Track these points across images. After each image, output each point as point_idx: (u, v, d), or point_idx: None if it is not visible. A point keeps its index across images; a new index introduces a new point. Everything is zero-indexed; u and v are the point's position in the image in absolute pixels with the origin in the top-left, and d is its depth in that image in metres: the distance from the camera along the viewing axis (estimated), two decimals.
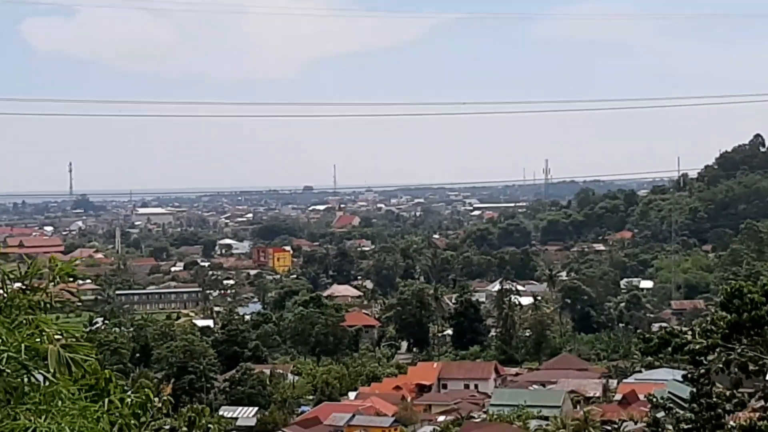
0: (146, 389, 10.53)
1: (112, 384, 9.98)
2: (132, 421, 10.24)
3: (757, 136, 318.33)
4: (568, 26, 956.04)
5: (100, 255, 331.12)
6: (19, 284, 10.79)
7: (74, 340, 10.06)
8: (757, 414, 31.45)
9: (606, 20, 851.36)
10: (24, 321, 10.15)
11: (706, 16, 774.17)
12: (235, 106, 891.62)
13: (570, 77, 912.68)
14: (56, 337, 9.91)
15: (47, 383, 9.59)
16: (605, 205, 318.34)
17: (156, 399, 10.41)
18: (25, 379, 9.63)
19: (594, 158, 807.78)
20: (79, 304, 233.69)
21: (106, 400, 9.69)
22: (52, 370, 9.36)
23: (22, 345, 9.53)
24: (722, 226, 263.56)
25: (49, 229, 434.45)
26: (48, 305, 10.67)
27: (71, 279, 10.83)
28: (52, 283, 10.70)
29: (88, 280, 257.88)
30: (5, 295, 10.58)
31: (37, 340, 9.79)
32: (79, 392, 9.80)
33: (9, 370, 9.59)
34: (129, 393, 10.37)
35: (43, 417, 8.73)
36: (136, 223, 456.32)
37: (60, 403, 9.09)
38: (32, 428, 8.56)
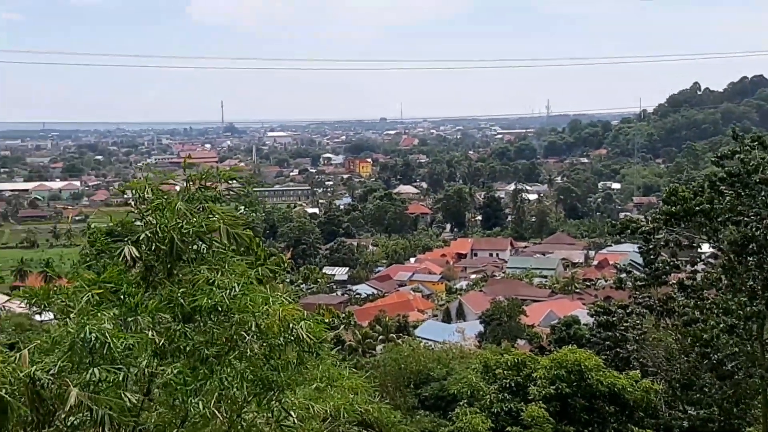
0: (280, 254, 10.89)
1: (257, 246, 10.18)
2: (270, 275, 10.48)
3: (696, 83, 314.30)
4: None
5: (242, 164, 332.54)
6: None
7: (232, 220, 10.27)
8: (686, 275, 31.89)
9: None
10: (201, 208, 10.35)
11: None
12: (339, 62, 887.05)
13: (564, 41, 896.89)
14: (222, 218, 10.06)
15: (214, 251, 9.67)
16: (589, 131, 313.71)
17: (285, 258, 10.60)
18: (203, 247, 9.87)
19: (582, 98, 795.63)
20: (228, 196, 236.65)
21: (253, 260, 9.85)
22: (224, 241, 9.54)
23: (203, 224, 9.77)
24: (670, 146, 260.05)
25: (207, 146, 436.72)
26: (218, 199, 10.98)
27: (231, 180, 11.13)
28: (219, 184, 10.98)
29: (235, 181, 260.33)
30: (190, 191, 10.78)
31: (211, 220, 9.99)
32: (237, 256, 10.01)
33: (190, 239, 9.84)
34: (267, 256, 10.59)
35: (218, 273, 8.95)
36: (267, 142, 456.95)
37: (226, 265, 9.30)
38: (211, 280, 8.82)
